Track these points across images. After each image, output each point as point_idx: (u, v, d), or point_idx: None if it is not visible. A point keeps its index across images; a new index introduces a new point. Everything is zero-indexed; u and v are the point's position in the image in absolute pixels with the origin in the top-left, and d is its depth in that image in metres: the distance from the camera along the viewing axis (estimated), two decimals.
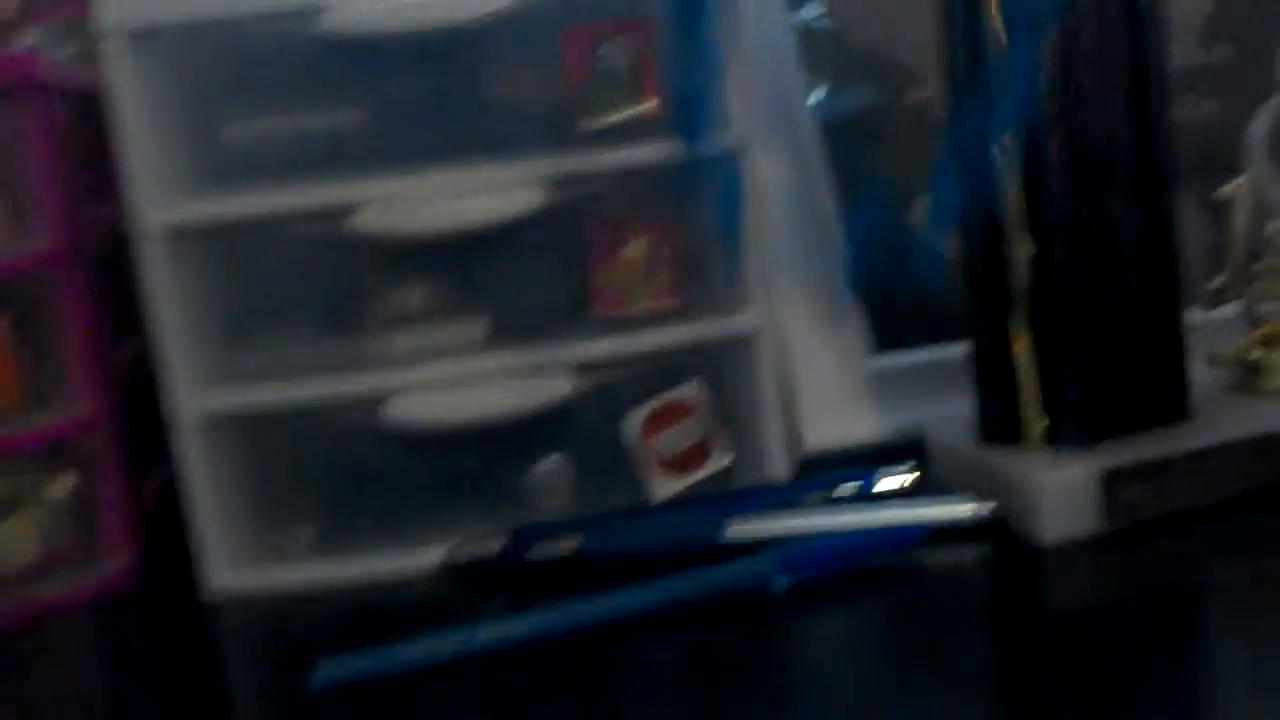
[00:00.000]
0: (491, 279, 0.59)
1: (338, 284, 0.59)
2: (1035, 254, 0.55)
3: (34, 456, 0.59)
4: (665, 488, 0.61)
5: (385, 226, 0.56)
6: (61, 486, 0.59)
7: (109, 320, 0.61)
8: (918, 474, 0.60)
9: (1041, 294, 0.55)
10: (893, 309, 0.69)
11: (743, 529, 0.55)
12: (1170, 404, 0.57)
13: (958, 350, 0.59)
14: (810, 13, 0.74)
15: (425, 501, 0.60)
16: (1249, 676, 0.44)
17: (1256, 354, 0.61)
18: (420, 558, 0.57)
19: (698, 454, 0.61)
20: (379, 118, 0.58)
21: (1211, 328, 0.63)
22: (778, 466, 0.62)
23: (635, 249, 0.60)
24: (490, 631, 0.49)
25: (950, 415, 0.60)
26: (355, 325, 0.59)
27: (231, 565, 0.58)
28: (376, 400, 0.57)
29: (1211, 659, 0.46)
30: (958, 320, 0.67)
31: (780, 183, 0.68)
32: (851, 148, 0.71)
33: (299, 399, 0.57)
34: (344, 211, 0.56)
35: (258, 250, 0.57)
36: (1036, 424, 0.56)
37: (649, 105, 0.59)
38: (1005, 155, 0.55)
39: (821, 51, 0.73)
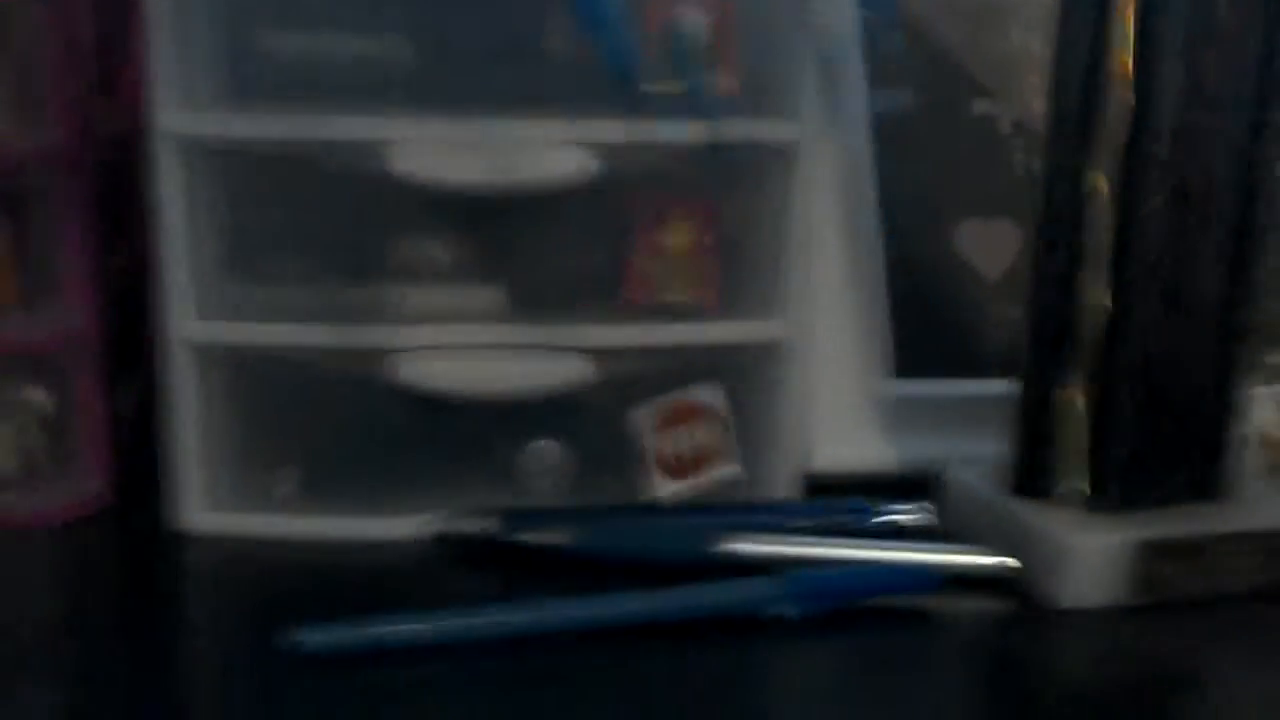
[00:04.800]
0: (521, 245, 0.56)
1: (355, 225, 0.55)
2: (1112, 304, 0.52)
3: (16, 363, 0.55)
4: (666, 488, 0.58)
5: (417, 171, 0.52)
6: (42, 396, 0.56)
7: (106, 227, 0.58)
8: (932, 514, 0.57)
9: (1109, 347, 0.52)
10: (922, 335, 0.66)
11: (744, 547, 0.53)
12: (1214, 480, 0.54)
13: (984, 388, 0.57)
14: (879, 5, 0.69)
15: (416, 467, 0.56)
16: None
17: None
18: (404, 524, 0.54)
19: (705, 459, 0.58)
20: (429, 52, 0.54)
21: (1264, 402, 0.60)
22: (786, 484, 0.59)
23: (678, 234, 0.56)
24: (480, 620, 0.47)
25: (971, 456, 0.57)
26: (367, 272, 0.55)
27: (206, 504, 0.55)
28: (379, 356, 0.53)
29: None
30: (987, 356, 0.64)
31: (824, 184, 0.64)
32: (904, 155, 0.67)
33: (297, 342, 0.53)
34: (376, 149, 0.52)
35: (276, 176, 0.53)
36: (1074, 481, 0.53)
37: (723, 84, 0.55)
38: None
39: (887, 48, 0.68)
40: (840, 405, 0.63)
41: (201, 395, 0.54)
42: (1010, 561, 0.52)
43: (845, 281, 0.65)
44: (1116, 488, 0.53)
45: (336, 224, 0.55)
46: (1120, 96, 0.50)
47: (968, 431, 0.58)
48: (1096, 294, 0.52)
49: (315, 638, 0.45)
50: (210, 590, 0.53)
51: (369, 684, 0.44)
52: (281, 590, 0.51)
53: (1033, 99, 0.67)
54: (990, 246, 0.68)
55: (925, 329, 0.66)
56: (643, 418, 0.57)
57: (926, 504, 0.57)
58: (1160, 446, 0.53)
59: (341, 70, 0.53)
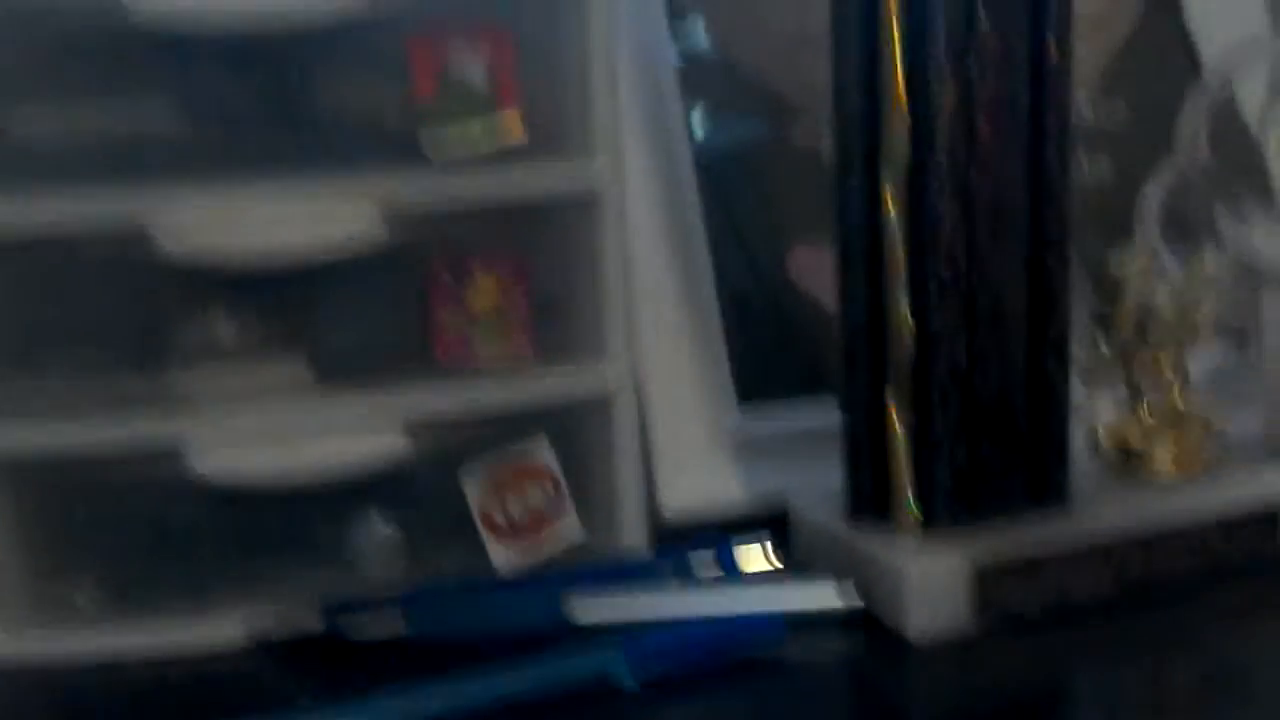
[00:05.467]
0: (318, 316, 0.53)
1: (138, 311, 0.51)
2: (916, 321, 0.51)
3: None
4: (508, 557, 0.55)
5: (194, 248, 0.48)
6: None
7: None
8: (779, 552, 0.55)
9: (920, 364, 0.51)
10: (766, 366, 0.64)
11: (589, 611, 0.50)
12: (1048, 487, 0.53)
13: (830, 410, 0.55)
14: (694, 38, 0.68)
15: (233, 564, 0.52)
16: None
17: (1136, 433, 0.58)
18: (224, 628, 0.50)
19: (541, 520, 0.55)
20: (196, 123, 0.51)
21: (1091, 406, 0.59)
22: (633, 535, 0.56)
23: (484, 291, 0.54)
24: None
25: (818, 484, 0.56)
26: (156, 359, 0.51)
27: (5, 627, 0.50)
28: (178, 448, 0.50)
29: None
30: (831, 381, 0.63)
31: (649, 221, 0.62)
32: (730, 185, 0.66)
33: (81, 442, 0.49)
34: (148, 227, 0.48)
35: (45, 265, 0.49)
36: (908, 505, 0.52)
37: (506, 129, 0.53)
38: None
39: (703, 79, 0.68)
40: (688, 447, 0.61)
41: None
42: (851, 597, 0.50)
43: (681, 320, 0.63)
44: (947, 508, 0.52)
45: (113, 311, 0.51)
46: (896, 113, 0.50)
47: (820, 459, 0.56)
48: (898, 312, 0.51)
49: None
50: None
51: None
52: (93, 715, 0.47)
53: None
54: (822, 271, 0.67)
55: (768, 360, 0.65)
56: (471, 486, 0.54)
57: (773, 541, 0.55)
58: (985, 462, 0.52)
59: (103, 149, 0.50)
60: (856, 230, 0.52)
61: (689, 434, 0.61)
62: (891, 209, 0.50)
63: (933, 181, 0.50)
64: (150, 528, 0.52)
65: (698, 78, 0.67)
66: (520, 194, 0.52)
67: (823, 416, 0.59)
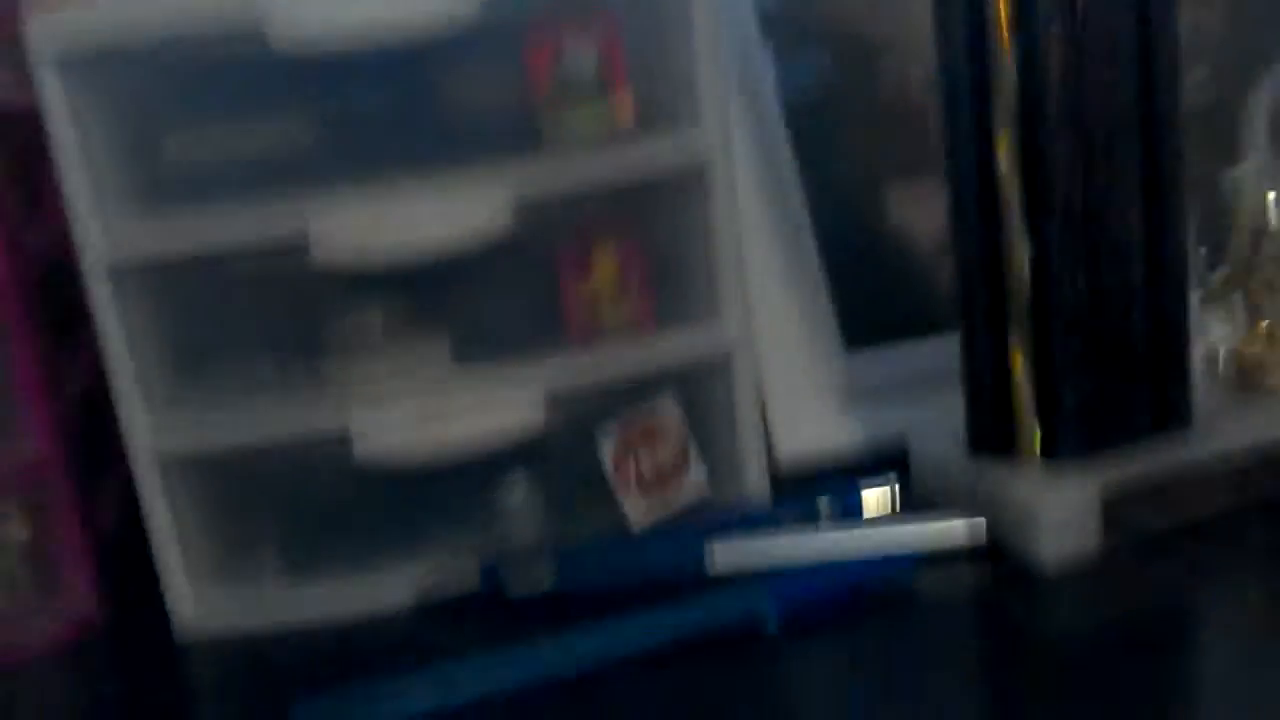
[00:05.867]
0: (457, 300, 0.57)
1: (296, 310, 0.56)
2: (1034, 254, 0.52)
3: None
4: (642, 512, 0.59)
5: (345, 252, 0.52)
6: (18, 528, 0.56)
7: (53, 351, 0.58)
8: (902, 489, 0.57)
9: (1040, 297, 0.52)
10: (870, 305, 0.66)
11: (727, 559, 0.53)
12: (1171, 410, 0.54)
13: (937, 347, 0.57)
14: None
15: (395, 532, 0.57)
16: (1249, 698, 0.42)
17: (1257, 350, 0.58)
18: (393, 589, 0.55)
19: (674, 474, 0.59)
20: (335, 134, 0.55)
21: (1209, 327, 0.60)
22: (756, 484, 0.59)
23: (605, 265, 0.57)
24: (470, 677, 0.47)
25: (933, 423, 0.58)
26: (316, 351, 0.56)
27: (198, 603, 0.56)
28: (341, 432, 0.54)
29: (1211, 681, 0.45)
30: (935, 313, 0.64)
31: (746, 178, 0.64)
32: (819, 133, 0.67)
33: (261, 433, 0.54)
34: (301, 237, 0.52)
35: (212, 278, 0.54)
36: (1032, 434, 0.54)
37: (618, 114, 0.56)
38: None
39: (783, 25, 0.68)
40: (801, 396, 0.64)
41: (179, 499, 0.55)
42: (979, 531, 0.53)
43: (785, 274, 0.65)
44: (1073, 436, 0.53)
45: (274, 311, 0.56)
46: (1005, 54, 0.51)
47: (931, 399, 0.58)
48: (1016, 246, 0.52)
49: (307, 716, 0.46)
50: (213, 686, 0.53)
51: None
52: (284, 674, 0.52)
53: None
54: (922, 206, 0.68)
55: (872, 304, 0.66)
56: (605, 447, 0.58)
57: (896, 479, 0.57)
58: (1108, 389, 0.53)
59: (254, 165, 0.54)
60: (968, 168, 0.52)
61: (802, 384, 0.64)
62: (1004, 146, 0.51)
63: (1044, 116, 0.50)
64: (320, 503, 0.57)
65: (777, 24, 0.68)
66: (634, 171, 0.55)
67: (930, 357, 0.61)
